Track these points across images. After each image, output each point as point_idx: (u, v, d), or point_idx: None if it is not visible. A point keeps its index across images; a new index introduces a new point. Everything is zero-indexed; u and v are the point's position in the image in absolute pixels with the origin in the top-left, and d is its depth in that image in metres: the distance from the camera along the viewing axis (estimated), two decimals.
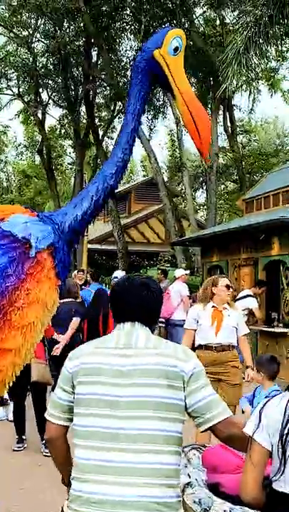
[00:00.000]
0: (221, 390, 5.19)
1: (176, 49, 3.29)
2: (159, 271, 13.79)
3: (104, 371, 2.10)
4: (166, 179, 27.24)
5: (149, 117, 21.81)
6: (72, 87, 21.84)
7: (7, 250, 2.82)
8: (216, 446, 3.16)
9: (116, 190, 3.45)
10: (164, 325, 10.92)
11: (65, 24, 19.39)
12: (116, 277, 11.09)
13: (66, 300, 7.21)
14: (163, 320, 10.58)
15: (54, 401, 2.27)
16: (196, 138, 3.29)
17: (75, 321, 7.59)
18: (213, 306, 5.48)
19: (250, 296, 9.85)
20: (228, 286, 5.56)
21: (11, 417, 6.77)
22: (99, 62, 20.50)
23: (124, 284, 2.33)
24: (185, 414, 2.13)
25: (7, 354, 2.79)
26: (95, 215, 3.28)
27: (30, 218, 3.03)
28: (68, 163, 27.66)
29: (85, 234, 20.77)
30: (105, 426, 2.03)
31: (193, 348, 5.27)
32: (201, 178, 25.42)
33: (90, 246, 23.75)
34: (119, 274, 11.54)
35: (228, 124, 23.11)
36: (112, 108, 22.48)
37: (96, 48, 19.95)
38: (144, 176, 34.89)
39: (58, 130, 25.54)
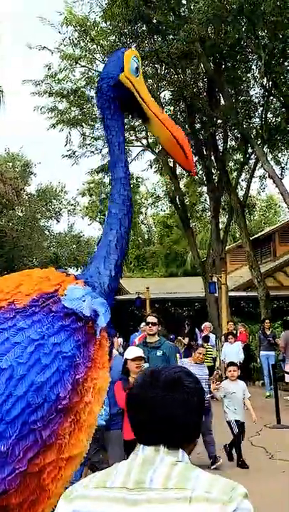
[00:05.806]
0: None
1: (137, 70, 3.11)
2: None
3: None
4: None
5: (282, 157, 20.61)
6: (201, 132, 21.32)
7: (72, 333, 2.28)
8: None
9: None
10: None
11: (185, 69, 19.07)
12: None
13: None
14: None
15: None
16: (180, 156, 3.14)
17: None
18: None
19: None
20: None
21: None
22: (222, 104, 19.83)
23: (145, 385, 1.53)
24: None
25: (74, 461, 2.24)
26: (122, 264, 2.91)
27: (85, 290, 2.52)
28: (202, 210, 26.96)
29: (224, 283, 19.87)
30: None
31: None
32: None
33: (233, 294, 22.58)
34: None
35: None
36: (243, 150, 21.56)
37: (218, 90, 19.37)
38: None
39: (190, 177, 25.10)
